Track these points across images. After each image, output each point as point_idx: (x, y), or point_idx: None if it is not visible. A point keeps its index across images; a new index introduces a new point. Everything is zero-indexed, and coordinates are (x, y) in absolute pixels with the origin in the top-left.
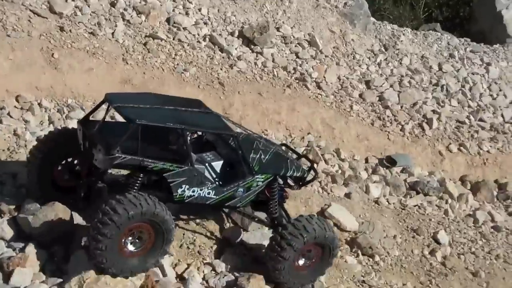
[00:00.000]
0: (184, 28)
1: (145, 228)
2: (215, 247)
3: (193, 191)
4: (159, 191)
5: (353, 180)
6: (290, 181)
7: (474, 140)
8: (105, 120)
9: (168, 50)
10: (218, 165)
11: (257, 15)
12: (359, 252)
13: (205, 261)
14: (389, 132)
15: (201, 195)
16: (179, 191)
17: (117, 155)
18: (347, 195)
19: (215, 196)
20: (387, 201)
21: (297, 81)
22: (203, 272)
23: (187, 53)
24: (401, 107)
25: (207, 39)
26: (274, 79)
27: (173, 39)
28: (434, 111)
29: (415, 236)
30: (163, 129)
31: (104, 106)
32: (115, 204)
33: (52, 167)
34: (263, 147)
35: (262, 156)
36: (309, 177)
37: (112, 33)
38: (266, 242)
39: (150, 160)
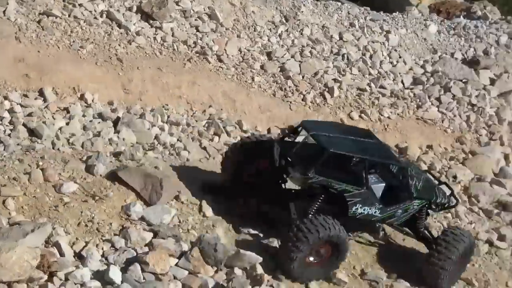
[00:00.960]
0: (80, 5)
1: (326, 246)
2: (114, 223)
3: (364, 210)
4: (334, 206)
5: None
6: (433, 205)
7: (375, 107)
8: (296, 141)
9: (64, 27)
10: (381, 187)
11: None
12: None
13: (104, 238)
14: (291, 102)
15: (369, 213)
16: (353, 208)
17: (311, 175)
18: None
19: (379, 215)
20: None
21: (198, 54)
22: (102, 249)
23: (84, 30)
24: (303, 77)
25: (104, 15)
26: (174, 53)
27: (69, 16)
28: (335, 80)
29: None
30: (345, 156)
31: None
32: (309, 225)
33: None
34: (415, 173)
35: (417, 183)
36: (451, 203)
37: (4, 11)
38: None
39: (335, 182)
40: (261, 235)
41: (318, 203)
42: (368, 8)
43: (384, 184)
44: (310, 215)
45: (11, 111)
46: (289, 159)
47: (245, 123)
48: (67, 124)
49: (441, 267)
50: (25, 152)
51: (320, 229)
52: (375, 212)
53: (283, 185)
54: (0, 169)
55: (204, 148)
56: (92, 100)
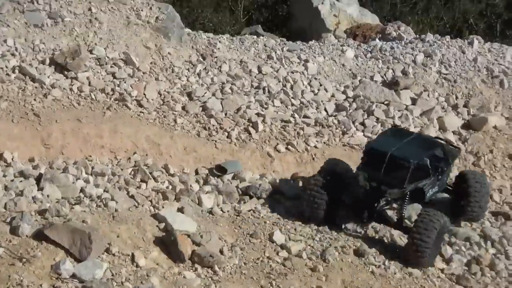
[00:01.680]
0: None
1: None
2: (44, 284)
3: (432, 191)
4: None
5: (185, 193)
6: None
7: (301, 137)
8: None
9: None
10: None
11: (67, 40)
12: (198, 266)
13: None
14: (215, 141)
15: (434, 191)
16: (428, 195)
17: (407, 187)
18: (180, 210)
19: (438, 189)
20: (221, 209)
21: (117, 102)
22: None
23: None
24: (225, 114)
25: (16, 70)
26: (93, 103)
27: None
28: (258, 114)
29: (251, 240)
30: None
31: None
32: (432, 217)
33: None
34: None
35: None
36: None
37: None
38: None
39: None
40: None
41: (405, 202)
42: (284, 39)
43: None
44: (424, 211)
45: None
46: (372, 183)
47: (171, 166)
48: None
49: (423, 246)
50: None
51: (440, 219)
52: (436, 189)
53: (375, 204)
54: None
55: (132, 196)
56: (12, 159)
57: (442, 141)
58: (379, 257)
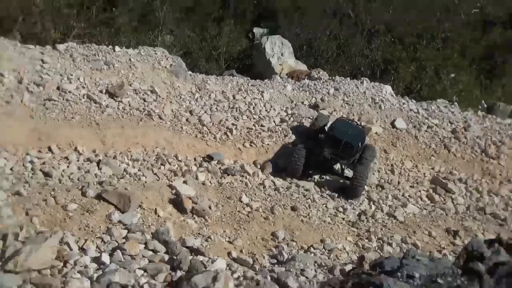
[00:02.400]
0: (70, 92)
1: None
2: (102, 226)
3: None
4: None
5: (187, 172)
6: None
7: (259, 139)
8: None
9: (60, 107)
10: None
11: (116, 78)
12: (195, 216)
13: (96, 236)
14: (206, 140)
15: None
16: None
17: (351, 158)
18: (185, 182)
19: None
20: (210, 182)
21: (146, 116)
22: (96, 243)
23: (73, 107)
24: (212, 124)
25: (85, 96)
26: (131, 116)
27: (63, 99)
28: (233, 124)
29: (228, 201)
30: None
31: None
32: (363, 172)
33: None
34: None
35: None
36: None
37: (21, 100)
38: None
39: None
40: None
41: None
42: (249, 78)
43: None
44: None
45: (31, 162)
46: (332, 156)
47: (180, 155)
48: (68, 166)
49: (359, 186)
50: (42, 187)
51: (366, 173)
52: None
53: (334, 166)
54: (28, 198)
55: (155, 174)
56: (82, 150)
57: (361, 126)
58: (305, 211)
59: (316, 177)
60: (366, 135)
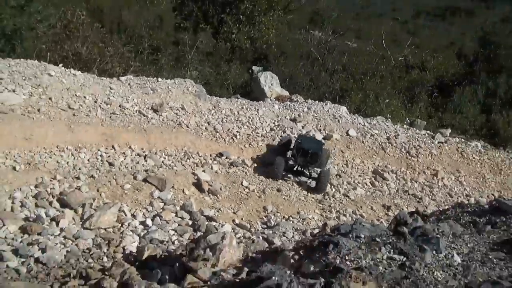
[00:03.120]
0: (126, 108)
1: None
2: (147, 200)
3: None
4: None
5: (205, 164)
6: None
7: (255, 142)
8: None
9: (120, 118)
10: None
11: (159, 99)
12: (210, 194)
13: (143, 207)
14: (219, 142)
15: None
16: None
17: (317, 163)
18: (203, 171)
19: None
20: (220, 171)
21: (178, 125)
22: (143, 212)
23: (128, 118)
24: (223, 131)
25: (137, 112)
26: (168, 125)
27: (123, 113)
28: (237, 131)
29: (233, 184)
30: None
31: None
32: (326, 172)
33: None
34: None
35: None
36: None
37: (96, 114)
38: None
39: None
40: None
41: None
42: (249, 100)
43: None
44: (322, 171)
45: (101, 155)
46: (303, 162)
47: (200, 152)
48: (124, 159)
49: (323, 184)
50: (108, 172)
51: (328, 175)
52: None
53: (304, 170)
54: (98, 180)
55: (183, 165)
56: (134, 148)
57: (320, 140)
58: (287, 192)
59: (294, 178)
60: (323, 144)
